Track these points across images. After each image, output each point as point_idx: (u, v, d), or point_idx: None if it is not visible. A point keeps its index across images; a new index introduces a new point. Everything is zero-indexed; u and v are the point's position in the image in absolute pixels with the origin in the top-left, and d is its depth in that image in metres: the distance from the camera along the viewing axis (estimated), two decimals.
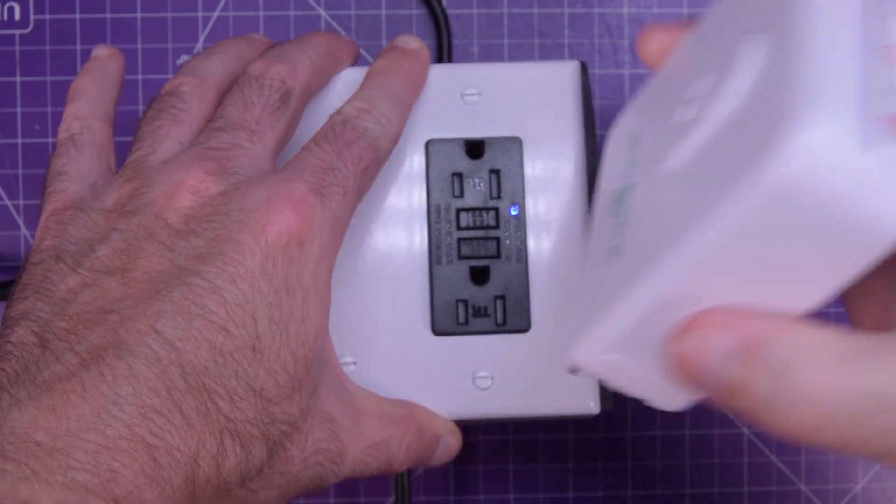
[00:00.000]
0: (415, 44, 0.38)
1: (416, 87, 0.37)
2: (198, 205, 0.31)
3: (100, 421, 0.27)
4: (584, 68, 0.38)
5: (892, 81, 0.23)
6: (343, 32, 0.45)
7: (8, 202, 0.44)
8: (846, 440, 0.23)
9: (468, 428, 0.38)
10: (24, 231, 0.44)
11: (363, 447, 0.34)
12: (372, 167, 0.34)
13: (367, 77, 0.36)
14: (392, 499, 0.45)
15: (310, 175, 0.32)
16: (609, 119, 0.45)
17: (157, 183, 0.32)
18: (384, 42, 0.45)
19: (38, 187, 0.44)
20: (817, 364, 0.23)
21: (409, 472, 0.39)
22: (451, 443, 0.37)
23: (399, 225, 0.37)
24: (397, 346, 0.37)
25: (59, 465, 0.26)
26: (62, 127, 0.36)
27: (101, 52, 0.38)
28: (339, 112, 0.34)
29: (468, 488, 0.45)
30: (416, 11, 0.45)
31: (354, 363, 0.37)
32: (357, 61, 0.39)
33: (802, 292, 0.24)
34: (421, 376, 0.37)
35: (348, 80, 0.38)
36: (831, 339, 0.23)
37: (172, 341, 0.29)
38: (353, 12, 0.45)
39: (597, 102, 0.45)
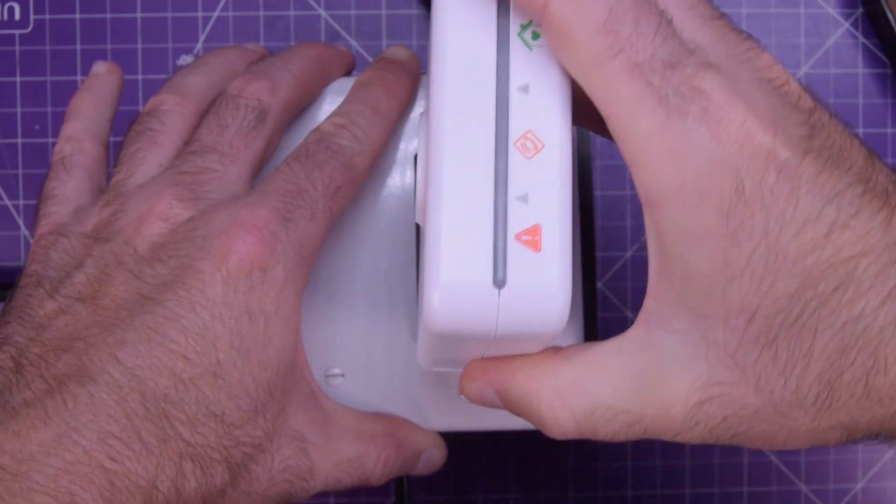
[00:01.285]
0: (404, 55, 0.37)
1: (402, 99, 0.36)
2: (166, 231, 0.32)
3: (60, 446, 0.28)
4: None
5: (528, 181, 0.27)
6: (343, 33, 0.45)
7: (8, 202, 0.44)
8: (596, 438, 0.29)
9: None
10: (24, 231, 0.44)
11: (335, 463, 0.34)
12: (345, 187, 0.33)
13: (351, 90, 0.36)
14: (392, 499, 0.45)
15: (275, 199, 0.32)
16: None
17: (130, 209, 0.33)
18: (384, 42, 0.44)
19: (38, 187, 0.44)
20: (544, 398, 0.29)
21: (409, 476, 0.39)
22: (435, 456, 0.37)
23: (388, 237, 0.37)
24: (385, 359, 0.37)
25: (22, 488, 0.27)
26: (56, 148, 0.36)
27: (98, 68, 0.38)
28: (316, 129, 0.34)
29: (468, 488, 0.45)
30: (416, 11, 0.45)
31: (342, 375, 0.37)
32: (352, 71, 0.39)
33: (522, 350, 0.30)
34: (409, 389, 0.37)
35: (341, 90, 0.37)
36: (552, 371, 0.29)
37: (133, 369, 0.29)
38: (353, 12, 0.45)
39: None
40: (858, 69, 0.45)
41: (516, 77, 0.27)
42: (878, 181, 0.27)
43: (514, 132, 0.27)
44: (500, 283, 0.26)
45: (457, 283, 0.26)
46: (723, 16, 0.28)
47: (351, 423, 0.35)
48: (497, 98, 0.27)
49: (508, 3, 0.28)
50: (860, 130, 0.45)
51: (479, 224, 0.27)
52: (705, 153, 0.25)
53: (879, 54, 0.45)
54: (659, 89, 0.26)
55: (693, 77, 0.26)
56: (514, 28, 0.28)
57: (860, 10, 0.45)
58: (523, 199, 0.27)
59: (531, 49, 0.28)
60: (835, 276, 0.26)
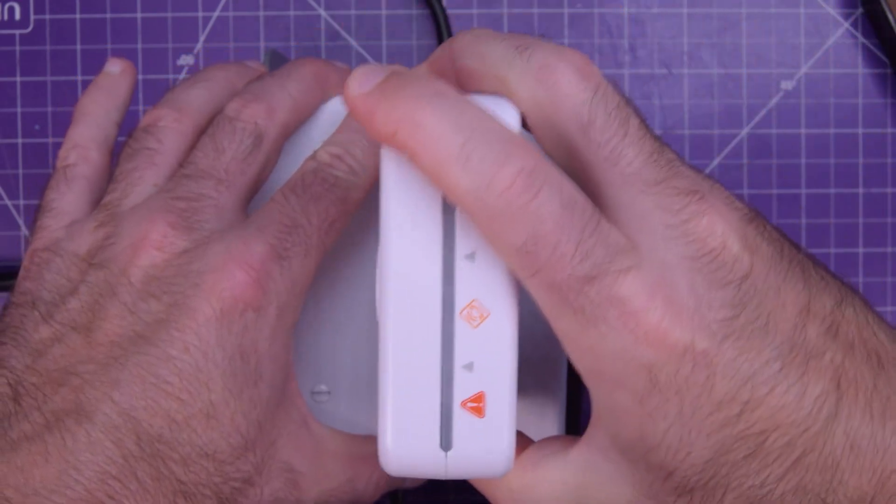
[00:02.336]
0: None
1: None
2: (160, 262, 0.32)
3: (62, 483, 0.28)
4: None
5: (473, 350, 0.28)
6: (343, 33, 0.45)
7: (8, 202, 0.44)
8: None
9: None
10: (24, 231, 0.44)
11: (325, 490, 0.34)
12: (339, 221, 0.33)
13: (347, 116, 0.36)
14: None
15: (271, 235, 0.32)
16: None
17: (124, 234, 0.32)
18: (384, 42, 0.44)
19: (39, 187, 0.44)
20: (500, 498, 0.32)
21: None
22: None
23: (376, 255, 0.37)
24: (372, 376, 0.37)
25: None
26: (61, 153, 0.36)
27: (112, 68, 0.38)
28: (313, 157, 0.34)
29: (468, 488, 0.45)
30: (416, 11, 0.45)
31: (328, 393, 0.37)
32: None
33: None
34: None
35: (337, 108, 0.37)
36: (506, 479, 0.31)
37: (129, 410, 0.30)
38: (353, 12, 0.45)
39: None
40: (858, 69, 0.45)
41: (462, 245, 0.28)
42: (806, 340, 0.28)
43: (461, 301, 0.28)
44: (446, 446, 0.28)
45: (406, 446, 0.28)
46: (669, 176, 0.28)
47: (341, 447, 0.35)
48: (444, 266, 0.28)
49: None
50: (860, 130, 0.45)
51: (426, 392, 0.28)
52: (620, 353, 0.27)
53: (879, 54, 0.45)
54: (574, 303, 0.27)
55: (611, 286, 0.26)
56: None
57: (860, 10, 0.45)
58: (469, 367, 0.28)
59: None
60: (745, 447, 0.27)
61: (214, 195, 0.33)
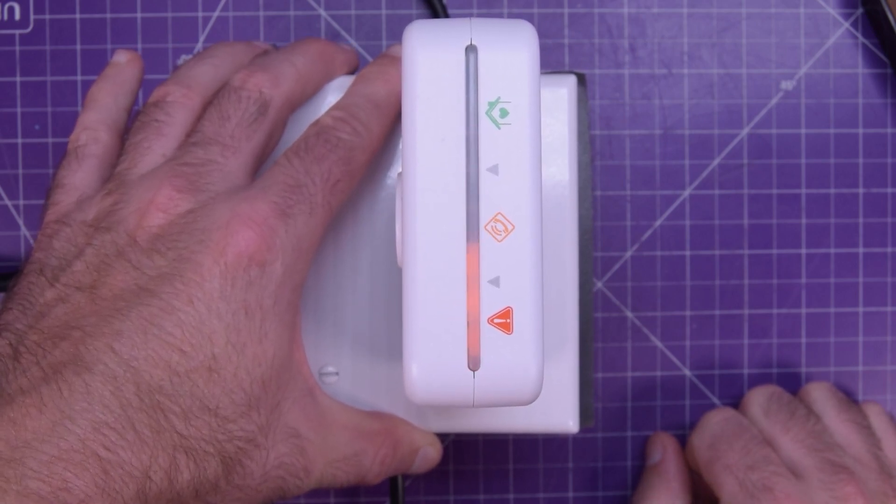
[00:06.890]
0: None
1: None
2: (166, 223, 0.32)
3: (54, 434, 0.28)
4: (581, 80, 0.37)
5: (499, 264, 0.28)
6: (343, 33, 0.45)
7: (8, 202, 0.44)
8: None
9: None
10: (24, 231, 0.44)
11: (331, 461, 0.34)
12: (344, 181, 0.34)
13: (352, 84, 0.36)
14: None
15: (275, 194, 0.32)
16: (608, 119, 0.45)
17: (132, 199, 0.33)
18: (384, 42, 0.45)
19: (39, 187, 0.44)
20: None
21: (405, 475, 0.39)
22: (431, 453, 0.37)
23: (386, 235, 0.37)
24: (381, 358, 0.37)
25: (16, 474, 0.27)
26: (72, 136, 0.36)
27: (118, 58, 0.38)
28: (315, 123, 0.34)
29: (468, 488, 0.45)
30: (417, 11, 0.45)
31: (337, 374, 0.37)
32: (356, 70, 0.39)
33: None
34: (401, 389, 0.37)
35: (343, 87, 0.37)
36: None
37: (129, 360, 0.30)
38: (353, 12, 0.45)
39: (596, 102, 0.45)
40: (858, 69, 0.45)
41: (485, 157, 0.28)
42: None
43: (485, 214, 0.28)
44: (474, 365, 0.28)
45: (433, 366, 0.28)
46: (830, 448, 0.40)
47: (348, 421, 0.35)
48: (468, 179, 0.28)
49: (476, 79, 0.28)
50: (860, 130, 0.45)
51: (452, 308, 0.28)
52: None
53: (879, 54, 0.45)
54: (742, 482, 0.39)
55: (767, 478, 0.39)
56: (482, 106, 0.28)
57: (860, 10, 0.45)
58: (495, 282, 0.28)
59: (499, 128, 0.28)
60: None
61: (221, 160, 0.33)
